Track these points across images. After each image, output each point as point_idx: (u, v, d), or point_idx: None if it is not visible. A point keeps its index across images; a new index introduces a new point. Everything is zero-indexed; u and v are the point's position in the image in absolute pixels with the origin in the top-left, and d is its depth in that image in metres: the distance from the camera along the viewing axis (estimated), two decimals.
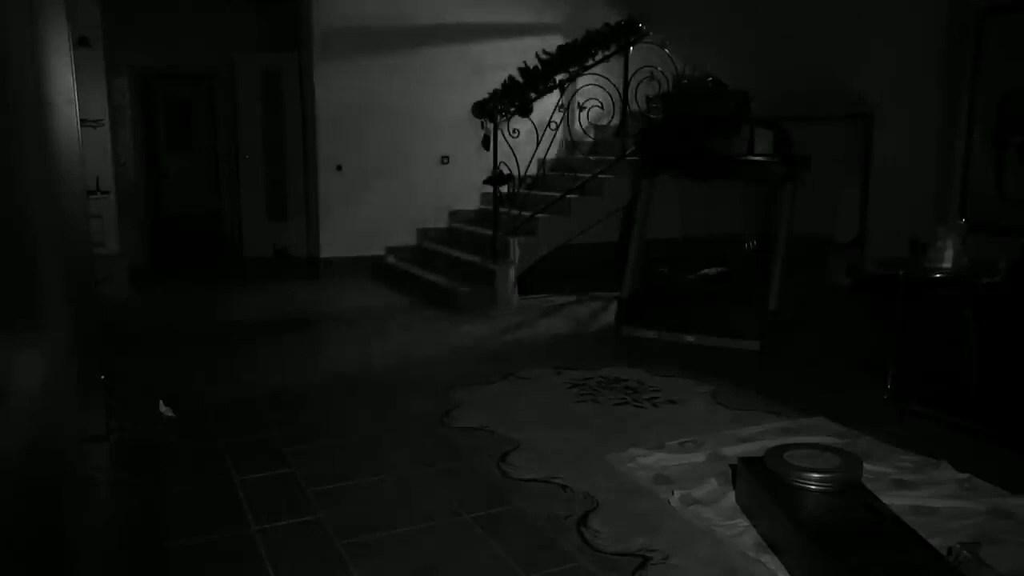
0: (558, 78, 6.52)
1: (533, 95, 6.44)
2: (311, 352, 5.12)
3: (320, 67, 7.08)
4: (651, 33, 6.81)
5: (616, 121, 7.06)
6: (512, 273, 6.24)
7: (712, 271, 5.80)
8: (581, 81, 6.66)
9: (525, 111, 6.42)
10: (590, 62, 6.59)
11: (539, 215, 6.55)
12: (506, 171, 6.36)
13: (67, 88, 1.61)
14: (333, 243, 7.35)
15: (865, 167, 6.39)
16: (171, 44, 8.63)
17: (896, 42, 5.91)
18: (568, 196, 6.66)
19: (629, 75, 6.80)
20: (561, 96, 6.61)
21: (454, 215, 7.65)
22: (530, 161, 6.56)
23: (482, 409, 3.74)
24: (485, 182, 6.74)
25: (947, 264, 3.66)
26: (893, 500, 2.62)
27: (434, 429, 3.53)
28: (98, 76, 6.90)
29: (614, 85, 6.78)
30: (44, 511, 1.32)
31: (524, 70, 6.50)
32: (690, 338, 4.94)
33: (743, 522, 2.61)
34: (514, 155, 6.45)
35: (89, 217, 2.12)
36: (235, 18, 8.94)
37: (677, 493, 2.81)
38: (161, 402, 3.71)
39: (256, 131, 8.27)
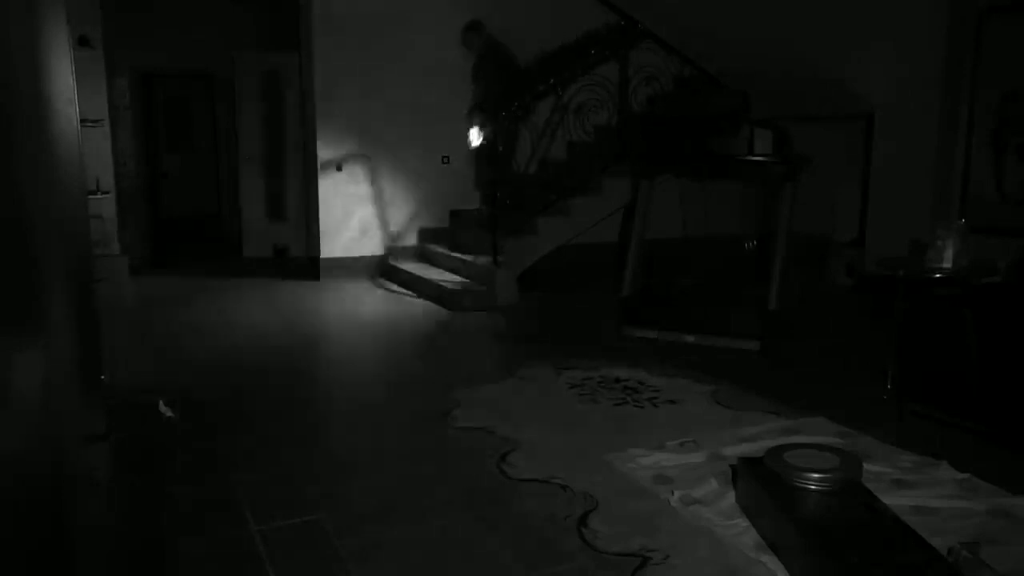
0: (556, 79, 6.51)
1: (532, 95, 6.43)
2: (309, 351, 5.12)
3: (320, 66, 7.07)
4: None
5: (616, 121, 7.05)
6: (512, 273, 6.24)
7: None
8: (581, 81, 6.65)
9: (525, 111, 6.41)
10: (589, 62, 6.59)
11: (539, 215, 6.55)
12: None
13: (67, 88, 1.61)
14: (333, 243, 7.34)
15: (865, 167, 6.40)
16: (171, 44, 8.64)
17: (896, 42, 5.91)
18: (568, 196, 6.66)
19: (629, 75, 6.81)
20: (561, 96, 6.61)
21: (455, 215, 7.64)
22: (529, 161, 6.55)
23: (482, 409, 3.74)
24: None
25: (947, 264, 3.66)
26: (893, 500, 2.62)
27: (434, 429, 3.53)
28: (98, 76, 6.91)
29: (616, 85, 6.78)
30: (44, 510, 1.32)
31: (524, 70, 6.50)
32: (690, 338, 4.93)
33: (743, 522, 2.61)
34: (514, 155, 6.44)
35: (89, 217, 2.12)
36: (235, 18, 8.95)
37: (677, 493, 2.81)
38: (161, 402, 3.71)
39: (256, 131, 8.27)
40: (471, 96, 6.86)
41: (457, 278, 6.52)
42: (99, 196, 6.93)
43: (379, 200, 7.43)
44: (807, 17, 6.44)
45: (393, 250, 7.50)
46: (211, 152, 10.64)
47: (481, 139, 6.59)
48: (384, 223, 7.49)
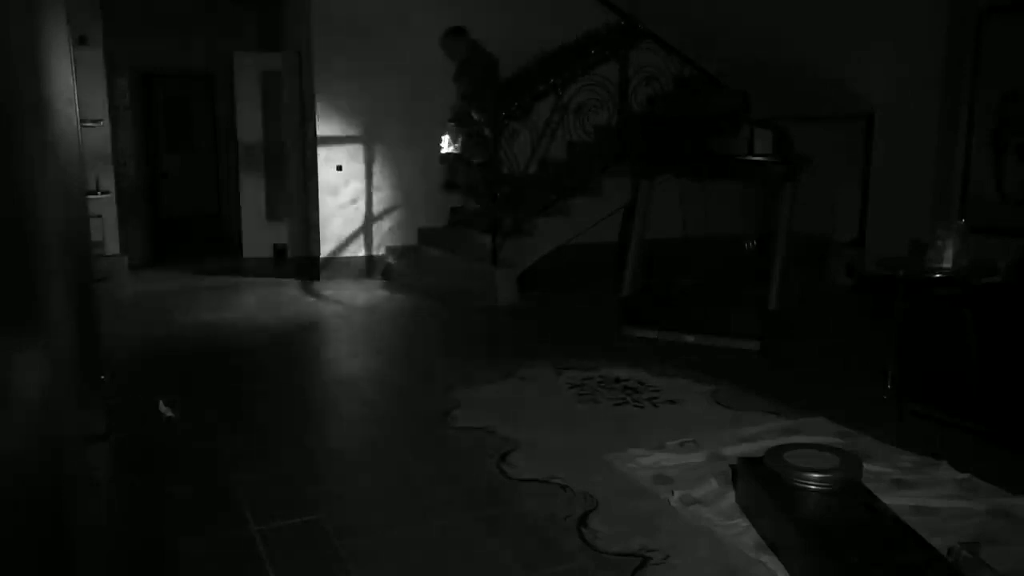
0: (556, 79, 6.51)
1: (532, 95, 6.43)
2: (308, 350, 5.13)
3: (320, 67, 7.07)
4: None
5: (616, 121, 7.06)
6: (512, 273, 6.24)
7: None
8: (580, 81, 6.65)
9: (524, 112, 6.40)
10: (589, 62, 6.59)
11: (539, 215, 6.54)
12: (505, 171, 6.35)
13: (67, 88, 1.61)
14: (332, 242, 7.34)
15: (865, 167, 6.40)
16: (171, 44, 8.63)
17: (896, 42, 5.91)
18: (568, 196, 6.65)
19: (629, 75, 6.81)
20: (561, 96, 6.61)
21: (455, 215, 7.64)
22: (529, 161, 6.55)
23: (482, 409, 3.74)
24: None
25: (947, 264, 3.66)
26: (893, 500, 2.62)
27: (434, 429, 3.53)
28: (98, 76, 6.90)
29: (616, 85, 6.78)
30: (44, 510, 1.32)
31: (523, 70, 6.49)
32: (690, 338, 4.93)
33: (743, 522, 2.61)
34: (514, 155, 6.43)
35: (89, 217, 2.12)
36: (235, 18, 8.94)
37: (677, 493, 2.81)
38: (161, 402, 3.71)
39: (256, 131, 8.26)
40: (456, 100, 6.86)
41: (457, 278, 6.51)
42: (99, 196, 6.93)
43: (378, 199, 7.43)
44: (807, 17, 6.45)
45: (393, 249, 7.50)
46: (211, 152, 10.64)
47: (452, 148, 6.61)
48: (383, 222, 7.49)
